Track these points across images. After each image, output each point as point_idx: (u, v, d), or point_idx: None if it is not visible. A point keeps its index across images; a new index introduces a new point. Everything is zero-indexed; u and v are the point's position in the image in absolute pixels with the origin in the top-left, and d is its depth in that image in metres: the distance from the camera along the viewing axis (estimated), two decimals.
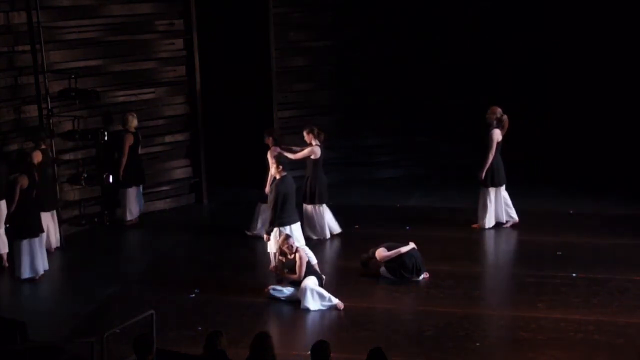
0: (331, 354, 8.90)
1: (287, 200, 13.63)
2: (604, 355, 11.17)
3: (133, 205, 16.56)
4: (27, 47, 15.15)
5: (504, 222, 15.75)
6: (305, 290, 12.64)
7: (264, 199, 14.94)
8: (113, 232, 16.29)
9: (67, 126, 15.93)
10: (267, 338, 9.11)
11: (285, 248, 12.91)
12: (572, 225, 15.97)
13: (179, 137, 17.56)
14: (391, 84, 18.99)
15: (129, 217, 16.57)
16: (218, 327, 11.38)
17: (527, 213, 16.39)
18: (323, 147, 15.51)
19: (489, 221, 15.69)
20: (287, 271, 12.96)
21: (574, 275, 13.60)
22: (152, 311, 10.22)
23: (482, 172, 15.46)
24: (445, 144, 18.94)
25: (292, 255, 12.89)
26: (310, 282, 12.74)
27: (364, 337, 11.71)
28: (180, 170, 17.69)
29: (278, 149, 14.91)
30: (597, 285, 13.21)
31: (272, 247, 13.64)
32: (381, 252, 13.67)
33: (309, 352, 8.98)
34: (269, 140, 15.18)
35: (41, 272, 14.12)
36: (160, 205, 17.46)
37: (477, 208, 15.79)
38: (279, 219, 13.60)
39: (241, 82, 18.15)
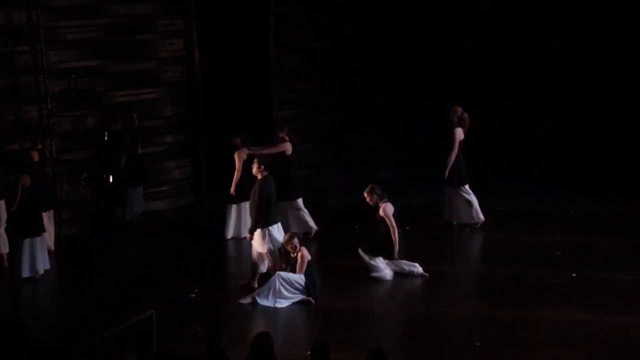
0: (331, 354, 8.90)
1: (271, 199, 13.64)
2: (604, 355, 11.17)
3: (133, 205, 16.57)
4: (27, 47, 15.16)
5: (453, 221, 15.86)
6: (277, 277, 12.77)
7: (232, 200, 15.40)
8: (113, 232, 16.29)
9: (67, 126, 15.93)
10: (267, 338, 9.11)
11: (289, 247, 12.94)
12: (572, 225, 15.97)
13: (179, 137, 17.56)
14: (391, 84, 18.99)
15: (129, 217, 16.58)
16: (218, 327, 11.40)
17: (526, 213, 16.43)
18: (294, 145, 15.59)
19: (477, 216, 15.74)
20: (289, 270, 12.98)
21: (574, 275, 13.61)
22: (152, 311, 10.22)
23: (446, 171, 15.60)
24: (445, 143, 18.92)
25: (295, 254, 12.92)
26: (290, 274, 12.82)
27: (364, 337, 11.70)
28: (180, 170, 17.69)
29: (246, 150, 15.08)
30: (597, 285, 13.21)
31: (259, 246, 13.54)
32: (387, 209, 13.66)
33: (309, 352, 8.98)
34: (237, 142, 15.31)
35: (41, 271, 14.12)
36: (160, 205, 17.46)
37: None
38: (265, 219, 13.57)
39: (241, 82, 18.15)
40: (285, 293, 12.78)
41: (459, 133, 15.57)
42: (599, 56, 18.19)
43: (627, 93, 18.15)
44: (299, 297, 12.82)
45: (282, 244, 13.09)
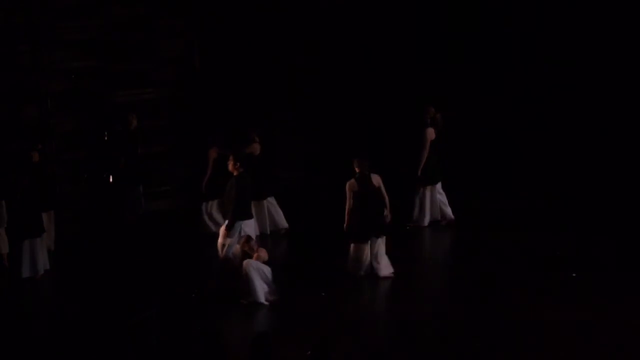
0: (331, 354, 8.91)
1: (246, 195, 13.72)
2: (604, 355, 11.17)
3: (133, 205, 16.57)
4: (27, 47, 15.16)
5: (439, 219, 16.01)
6: (250, 267, 12.84)
7: (205, 197, 15.77)
8: (113, 232, 16.29)
9: (67, 126, 15.93)
10: (267, 338, 9.13)
11: (247, 249, 13.03)
12: (571, 225, 15.97)
13: (179, 137, 17.55)
14: (391, 84, 18.98)
15: (129, 217, 16.58)
16: (218, 327, 11.42)
17: (526, 213, 16.43)
18: (263, 147, 15.83)
19: (426, 219, 15.93)
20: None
21: (574, 275, 13.61)
22: (152, 311, 10.23)
23: (419, 170, 15.83)
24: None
25: (254, 256, 13.00)
26: (257, 263, 12.93)
27: (363, 337, 11.71)
28: (180, 170, 17.69)
29: (217, 149, 15.36)
30: (597, 285, 13.22)
31: (223, 237, 13.65)
32: (349, 185, 13.84)
33: (309, 352, 8.98)
34: (209, 140, 15.73)
35: (42, 271, 14.14)
36: (160, 205, 17.45)
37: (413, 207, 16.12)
38: (240, 214, 13.64)
39: (241, 82, 18.14)
40: (266, 276, 12.89)
41: (430, 133, 15.87)
42: (599, 56, 18.20)
43: (626, 93, 18.17)
44: (267, 289, 12.88)
45: (240, 246, 13.19)
